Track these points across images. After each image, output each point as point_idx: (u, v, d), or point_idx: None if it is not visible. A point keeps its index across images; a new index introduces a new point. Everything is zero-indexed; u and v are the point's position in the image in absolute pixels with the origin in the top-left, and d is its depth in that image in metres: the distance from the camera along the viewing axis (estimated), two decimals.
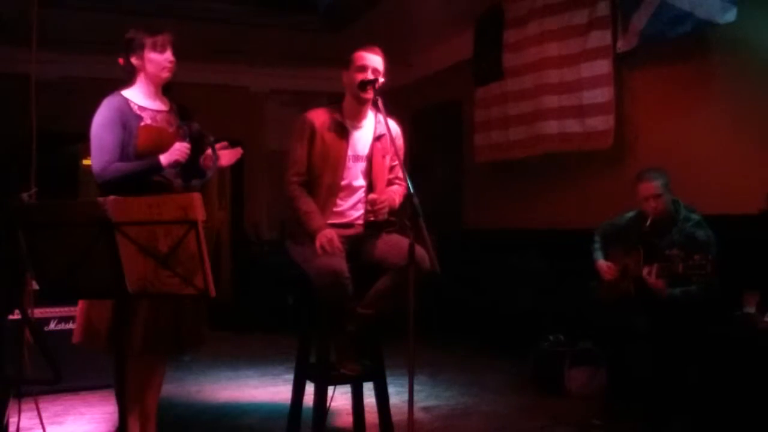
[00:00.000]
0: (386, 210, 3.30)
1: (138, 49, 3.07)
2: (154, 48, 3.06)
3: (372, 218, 3.33)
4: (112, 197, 2.29)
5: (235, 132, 7.72)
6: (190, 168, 3.13)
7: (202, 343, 3.19)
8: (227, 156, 3.18)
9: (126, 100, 3.07)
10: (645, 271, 3.70)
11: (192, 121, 3.19)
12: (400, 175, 3.40)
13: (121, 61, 3.11)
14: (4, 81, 6.23)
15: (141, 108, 3.08)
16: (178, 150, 3.00)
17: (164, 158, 2.99)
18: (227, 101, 8.19)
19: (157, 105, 3.15)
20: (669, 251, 3.67)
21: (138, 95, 3.11)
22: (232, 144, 3.24)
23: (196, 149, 3.10)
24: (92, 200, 2.32)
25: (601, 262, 4.07)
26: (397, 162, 3.36)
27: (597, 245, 4.16)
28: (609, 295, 4.03)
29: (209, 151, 3.11)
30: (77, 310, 3.08)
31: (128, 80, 3.13)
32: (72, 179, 7.80)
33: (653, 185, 3.81)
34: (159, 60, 3.08)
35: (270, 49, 7.62)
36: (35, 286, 3.48)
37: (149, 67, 3.08)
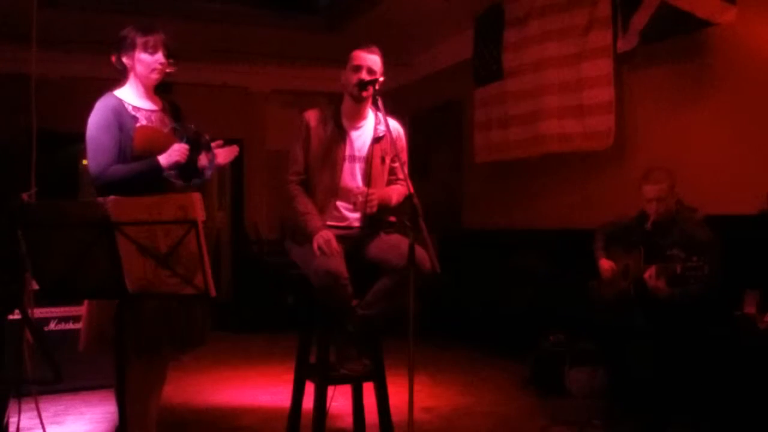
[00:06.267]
0: (375, 204, 3.27)
1: (129, 48, 3.04)
2: (146, 48, 3.03)
3: (358, 210, 3.30)
4: (112, 197, 2.28)
5: (235, 132, 7.73)
6: (188, 168, 3.11)
7: (204, 343, 3.18)
8: (223, 154, 3.18)
9: (120, 101, 3.04)
10: (646, 274, 3.70)
11: (185, 120, 3.18)
12: (401, 175, 3.39)
13: (113, 59, 3.09)
14: (4, 81, 6.23)
15: (135, 108, 3.06)
16: (178, 151, 2.98)
17: (164, 159, 2.97)
18: (227, 101, 8.19)
19: (149, 105, 3.13)
20: (670, 251, 3.67)
21: (131, 95, 3.09)
22: (232, 144, 3.24)
23: (193, 149, 3.09)
24: (92, 200, 2.32)
25: (603, 261, 4.06)
26: (397, 163, 3.36)
27: (599, 244, 4.15)
28: (608, 294, 4.03)
29: (206, 150, 3.11)
30: (82, 317, 3.07)
31: (120, 79, 3.11)
32: (72, 179, 7.80)
33: (658, 188, 3.81)
34: (149, 61, 3.04)
35: (270, 49, 7.61)
36: (35, 286, 3.48)
37: (139, 68, 3.05)
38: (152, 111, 3.12)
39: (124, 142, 2.99)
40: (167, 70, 3.09)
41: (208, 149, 3.11)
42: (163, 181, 3.01)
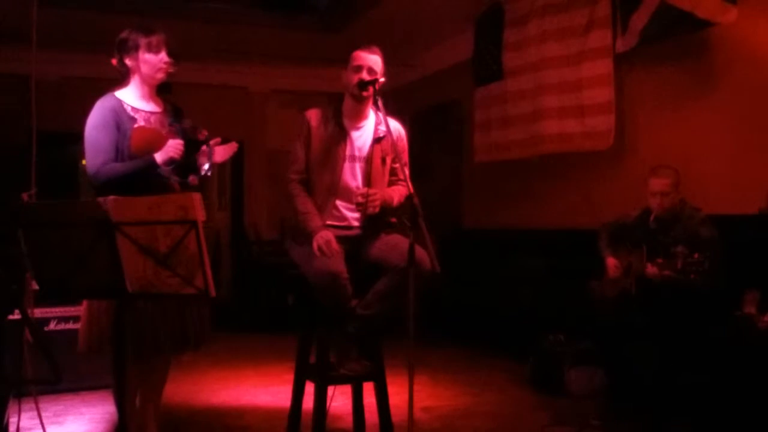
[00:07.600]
0: (378, 203, 3.27)
1: (132, 49, 3.03)
2: (149, 49, 3.03)
3: (361, 210, 3.30)
4: (112, 197, 2.28)
5: (235, 132, 7.70)
6: (185, 165, 3.11)
7: (205, 342, 3.17)
8: (221, 152, 3.17)
9: (120, 102, 3.05)
10: (650, 271, 3.70)
11: (185, 119, 3.18)
12: (401, 176, 3.39)
13: (114, 61, 3.09)
14: (4, 81, 6.23)
15: (134, 109, 3.07)
16: (173, 147, 2.99)
17: (159, 156, 2.98)
18: (227, 101, 8.19)
19: (150, 106, 3.13)
20: (673, 248, 3.68)
21: (131, 96, 3.09)
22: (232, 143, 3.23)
23: (190, 146, 3.09)
24: (92, 200, 2.32)
25: (610, 259, 4.07)
26: (398, 164, 3.36)
27: (604, 243, 4.16)
28: (611, 293, 4.03)
29: (204, 147, 3.10)
30: (81, 317, 3.07)
31: (121, 81, 3.11)
32: (72, 179, 7.79)
33: (663, 182, 3.85)
34: (154, 61, 3.05)
35: (270, 49, 7.61)
36: (35, 286, 3.49)
37: (144, 68, 3.05)
38: (152, 113, 3.12)
39: (122, 142, 3.00)
40: (170, 70, 3.10)
41: (207, 146, 3.11)
42: (161, 181, 3.01)
